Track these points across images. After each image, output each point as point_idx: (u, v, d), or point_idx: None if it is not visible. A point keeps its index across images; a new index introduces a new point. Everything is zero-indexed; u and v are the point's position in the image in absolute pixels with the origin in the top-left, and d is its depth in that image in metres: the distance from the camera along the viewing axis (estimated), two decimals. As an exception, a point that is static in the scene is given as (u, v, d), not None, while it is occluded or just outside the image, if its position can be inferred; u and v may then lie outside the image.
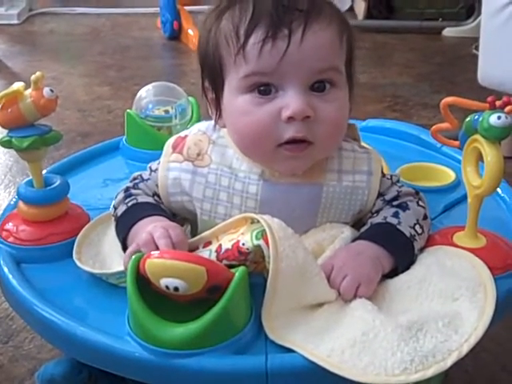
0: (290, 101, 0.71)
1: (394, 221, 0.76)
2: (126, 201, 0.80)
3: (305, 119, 0.71)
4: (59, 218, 0.84)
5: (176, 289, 0.62)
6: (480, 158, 0.73)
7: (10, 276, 0.77)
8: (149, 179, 0.83)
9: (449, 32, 3.24)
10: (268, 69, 0.71)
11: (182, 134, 0.83)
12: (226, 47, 0.73)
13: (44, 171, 0.87)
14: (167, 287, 0.63)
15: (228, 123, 0.78)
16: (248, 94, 0.73)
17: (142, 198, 0.80)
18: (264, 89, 0.72)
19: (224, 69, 0.75)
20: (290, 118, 0.71)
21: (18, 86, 0.80)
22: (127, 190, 0.82)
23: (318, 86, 0.73)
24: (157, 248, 0.69)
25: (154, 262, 0.63)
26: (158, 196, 0.82)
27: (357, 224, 0.81)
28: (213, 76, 0.77)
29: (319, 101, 0.73)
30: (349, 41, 0.76)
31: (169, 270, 0.62)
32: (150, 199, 0.80)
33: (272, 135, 0.73)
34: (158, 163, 0.82)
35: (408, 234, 0.75)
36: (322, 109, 0.72)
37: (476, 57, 1.82)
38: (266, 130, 0.72)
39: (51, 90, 0.79)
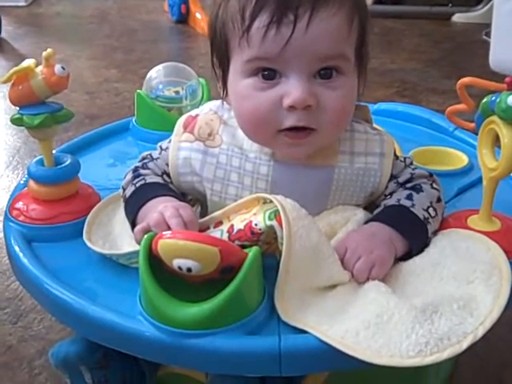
0: (292, 89, 0.69)
1: (407, 203, 0.75)
2: (135, 181, 0.79)
3: (306, 108, 0.70)
4: (70, 197, 0.84)
5: (189, 269, 0.62)
6: (496, 140, 0.72)
7: (21, 255, 0.77)
8: (158, 158, 0.82)
9: (458, 18, 3.22)
10: (271, 54, 0.69)
11: (193, 112, 0.82)
12: (232, 28, 0.72)
13: (54, 151, 0.86)
14: (180, 268, 0.62)
15: (232, 104, 0.77)
16: (251, 77, 0.72)
17: (150, 178, 0.79)
18: (268, 73, 0.71)
19: (229, 49, 0.74)
20: (291, 107, 0.70)
21: (28, 62, 0.79)
22: (136, 170, 0.81)
23: (324, 73, 0.71)
24: (168, 228, 0.68)
25: (166, 243, 0.63)
26: (168, 175, 0.81)
27: (369, 206, 0.80)
28: (219, 54, 0.76)
29: (324, 88, 0.71)
30: (361, 23, 0.74)
31: (182, 250, 0.61)
32: (158, 179, 0.80)
33: (272, 121, 0.72)
34: (169, 142, 0.82)
35: (421, 217, 0.74)
36: (326, 96, 0.71)
37: (486, 43, 1.82)
38: (267, 116, 0.71)
39: (63, 68, 0.79)
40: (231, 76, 0.75)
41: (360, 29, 0.74)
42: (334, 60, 0.71)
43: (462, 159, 1.01)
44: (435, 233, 0.76)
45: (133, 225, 0.76)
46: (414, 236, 0.74)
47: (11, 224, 0.82)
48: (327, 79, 0.71)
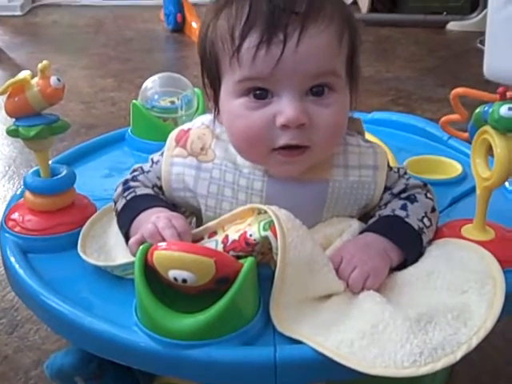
0: (285, 108, 0.69)
1: (402, 213, 0.76)
2: (125, 194, 0.79)
3: (300, 126, 0.70)
4: (66, 208, 0.84)
5: (184, 281, 0.62)
6: (489, 150, 0.72)
7: (17, 266, 0.77)
8: (149, 171, 0.82)
9: (453, 26, 3.23)
10: (262, 74, 0.69)
11: (185, 126, 0.82)
12: (221, 48, 0.72)
13: (49, 162, 0.87)
14: (175, 279, 0.62)
15: (224, 123, 0.77)
16: (243, 97, 0.72)
17: (140, 191, 0.79)
18: (259, 93, 0.71)
19: (220, 69, 0.74)
20: (284, 126, 0.70)
21: (24, 74, 0.79)
22: (126, 182, 0.81)
23: (316, 91, 0.71)
24: (162, 239, 0.68)
25: (161, 254, 0.63)
26: (159, 188, 0.81)
27: (363, 218, 0.81)
28: (210, 73, 0.76)
29: (316, 106, 0.71)
30: (351, 38, 0.74)
31: (177, 261, 0.62)
32: (148, 191, 0.80)
33: (266, 140, 0.72)
34: (160, 155, 0.82)
35: (416, 227, 0.75)
36: (318, 114, 0.71)
37: (481, 51, 1.82)
38: (260, 135, 0.71)
39: (58, 79, 0.79)
40: (223, 95, 0.75)
41: (350, 44, 0.74)
42: (325, 77, 0.71)
43: (456, 168, 1.01)
44: (430, 242, 0.76)
45: (126, 237, 0.76)
46: (409, 246, 0.74)
47: (7, 235, 0.82)
48: (319, 96, 0.71)
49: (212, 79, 0.76)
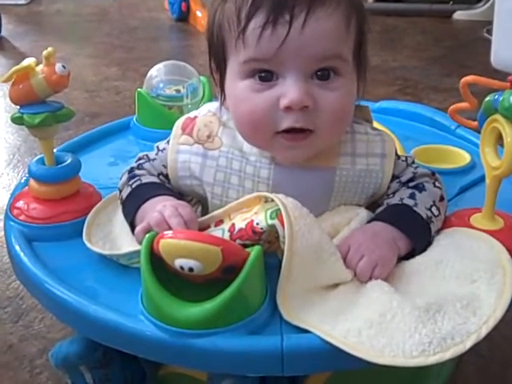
0: (288, 90, 0.69)
1: (410, 202, 0.75)
2: (130, 182, 0.79)
3: (303, 109, 0.69)
4: (71, 196, 0.83)
5: (191, 269, 0.61)
6: (499, 139, 0.72)
7: (22, 254, 0.76)
8: (155, 159, 0.82)
9: (459, 15, 3.22)
10: (267, 55, 0.69)
11: (191, 114, 0.82)
12: (228, 30, 0.71)
13: (54, 150, 0.86)
14: (182, 268, 0.62)
15: (230, 107, 0.76)
16: (248, 79, 0.71)
17: (145, 179, 0.79)
18: (264, 75, 0.70)
19: (226, 51, 0.73)
20: (288, 108, 0.69)
21: (29, 61, 0.78)
22: (131, 170, 0.81)
23: (321, 74, 0.70)
24: (169, 227, 0.68)
25: (168, 242, 0.62)
26: (164, 176, 0.81)
27: (370, 207, 0.80)
28: (217, 57, 0.75)
29: (321, 89, 0.70)
30: (358, 24, 0.73)
31: (183, 250, 0.61)
32: (154, 179, 0.79)
33: (269, 123, 0.71)
34: (166, 143, 0.81)
35: (424, 216, 0.74)
36: (323, 97, 0.70)
37: (487, 40, 1.81)
38: (263, 118, 0.71)
39: (63, 66, 0.78)
40: (228, 79, 0.74)
41: (358, 30, 0.73)
42: (331, 60, 0.70)
43: (465, 157, 1.00)
44: (438, 231, 0.76)
45: (131, 226, 0.75)
46: (417, 235, 0.73)
47: (12, 223, 0.82)
48: (325, 80, 0.71)
49: (218, 63, 0.75)
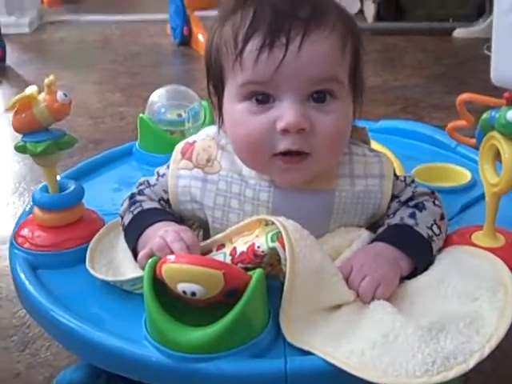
0: (285, 112, 0.70)
1: (410, 222, 0.75)
2: (132, 208, 0.79)
3: (300, 131, 0.70)
4: (74, 223, 0.84)
5: (193, 294, 0.62)
6: (497, 155, 0.72)
7: (27, 282, 0.77)
8: (156, 184, 0.82)
9: (459, 33, 3.23)
10: (264, 78, 0.70)
11: (190, 139, 0.82)
12: (225, 53, 0.72)
13: (58, 177, 0.87)
14: (184, 292, 0.62)
15: (227, 130, 0.77)
16: (245, 101, 0.72)
17: (147, 205, 0.79)
18: (261, 98, 0.71)
19: (223, 74, 0.74)
20: (285, 130, 0.70)
21: (31, 90, 0.80)
22: (132, 197, 0.82)
23: (317, 97, 0.71)
24: (171, 252, 0.68)
25: (170, 267, 0.63)
26: (165, 201, 0.81)
27: (371, 227, 0.80)
28: (215, 80, 0.76)
29: (317, 112, 0.71)
30: (354, 47, 0.74)
31: (186, 274, 0.62)
32: (155, 204, 0.80)
33: (266, 146, 0.72)
34: (166, 168, 0.82)
35: (426, 235, 0.74)
36: (319, 120, 0.71)
37: (487, 57, 1.82)
38: (260, 141, 0.71)
39: (65, 95, 0.79)
40: (226, 101, 0.75)
41: (353, 53, 0.74)
42: (327, 83, 0.71)
43: (465, 175, 1.00)
44: (439, 250, 0.76)
45: (134, 252, 0.76)
46: (419, 255, 0.73)
47: (16, 251, 0.82)
48: (321, 103, 0.71)
49: (216, 85, 0.76)
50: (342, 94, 0.73)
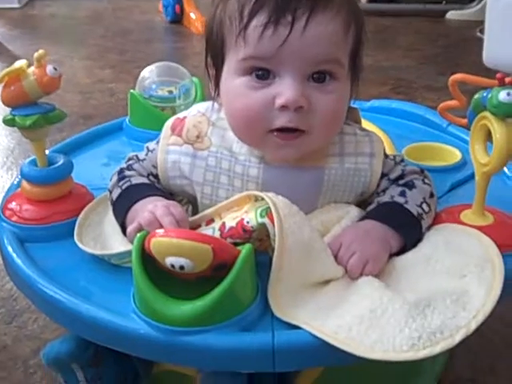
0: (285, 89, 0.69)
1: (401, 200, 0.76)
2: (120, 183, 0.79)
3: (298, 109, 0.70)
4: (63, 197, 0.83)
5: (181, 267, 0.62)
6: (488, 136, 0.72)
7: (15, 255, 0.76)
8: (145, 159, 0.82)
9: (452, 15, 3.23)
10: (266, 54, 0.70)
11: (181, 115, 0.82)
12: (229, 26, 0.72)
13: (47, 151, 0.86)
14: (173, 266, 0.62)
15: (224, 104, 0.77)
16: (245, 76, 0.72)
17: (135, 180, 0.79)
18: (261, 73, 0.71)
19: (225, 47, 0.74)
20: (283, 107, 0.70)
21: (20, 63, 0.79)
22: (121, 171, 0.81)
23: (317, 77, 0.71)
24: (160, 226, 0.68)
25: (159, 241, 0.63)
26: (154, 176, 0.81)
27: (360, 205, 0.80)
28: (214, 53, 0.76)
29: (317, 91, 0.71)
30: (357, 31, 0.74)
31: (175, 248, 0.61)
32: (144, 179, 0.80)
33: (263, 121, 0.71)
34: (156, 143, 0.82)
35: (415, 213, 0.74)
36: (318, 99, 0.71)
37: (480, 40, 1.82)
38: (258, 115, 0.71)
39: (54, 68, 0.78)
40: (224, 75, 0.75)
41: (355, 37, 0.74)
42: (329, 64, 0.71)
43: (456, 155, 1.01)
44: (428, 228, 0.76)
45: (122, 227, 0.76)
46: (409, 232, 0.74)
47: (4, 224, 0.82)
48: (320, 83, 0.71)
49: (215, 58, 0.76)
50: (342, 76, 0.73)
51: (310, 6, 0.69)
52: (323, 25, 0.69)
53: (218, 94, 0.78)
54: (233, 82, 0.73)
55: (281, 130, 0.71)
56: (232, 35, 0.72)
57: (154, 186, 0.79)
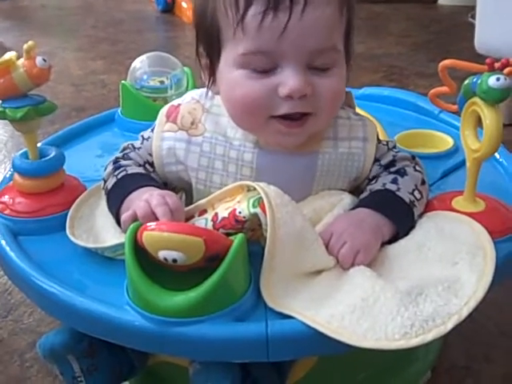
0: (288, 79, 0.69)
1: (393, 187, 0.76)
2: (116, 173, 0.79)
3: (302, 97, 0.70)
4: (55, 189, 0.83)
5: (174, 260, 0.62)
6: (478, 122, 0.72)
7: (8, 248, 0.76)
8: (140, 148, 0.82)
9: (444, 1, 3.22)
10: (267, 47, 0.69)
11: (175, 102, 0.82)
12: (225, 16, 0.70)
13: (39, 144, 0.86)
14: (165, 259, 0.62)
15: (222, 92, 0.76)
16: (245, 69, 0.71)
17: (131, 169, 0.79)
18: (262, 68, 0.70)
19: (221, 38, 0.72)
20: (287, 96, 0.70)
21: (10, 55, 0.78)
22: (116, 161, 0.81)
23: (317, 65, 0.71)
24: (155, 217, 0.68)
25: (150, 235, 0.63)
26: (150, 164, 0.81)
27: (354, 191, 0.81)
28: (209, 42, 0.75)
29: (318, 77, 0.71)
30: (348, 13, 0.74)
31: (166, 242, 0.61)
32: (140, 169, 0.80)
33: (266, 107, 0.71)
34: (151, 131, 0.82)
35: (407, 200, 0.75)
36: (320, 84, 0.71)
37: (472, 25, 1.81)
38: (260, 102, 0.71)
39: (44, 60, 0.78)
40: (223, 65, 0.74)
41: (348, 19, 0.74)
42: (328, 54, 0.71)
43: (448, 142, 1.01)
44: (421, 215, 0.76)
45: (116, 217, 0.76)
46: (401, 220, 0.74)
47: (-3, 218, 0.82)
48: (321, 70, 0.71)
49: (209, 47, 0.75)
50: (340, 61, 0.73)
51: None
52: (320, 8, 0.68)
53: (213, 83, 0.77)
54: (232, 73, 0.72)
55: (284, 117, 0.71)
56: (229, 25, 0.70)
57: (150, 177, 0.79)
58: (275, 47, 0.68)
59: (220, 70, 0.75)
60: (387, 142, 0.82)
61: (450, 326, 0.60)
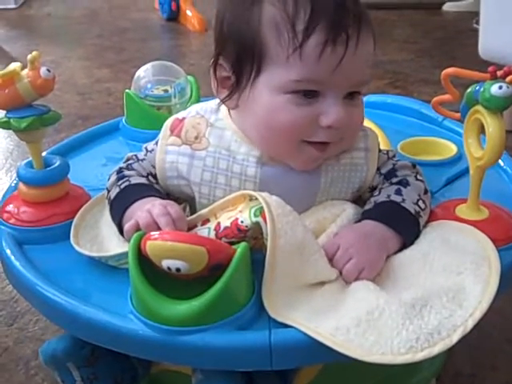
0: (331, 109, 0.70)
1: (397, 199, 0.76)
2: (119, 183, 0.79)
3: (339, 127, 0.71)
4: (60, 198, 0.84)
5: (178, 269, 0.62)
6: (481, 129, 0.72)
7: (13, 257, 0.77)
8: (144, 159, 0.82)
9: (449, 7, 3.22)
10: (323, 76, 0.69)
11: (180, 115, 0.82)
12: (277, 38, 0.69)
13: (44, 153, 0.87)
14: (169, 268, 0.62)
15: (254, 114, 0.74)
16: (292, 94, 0.71)
17: (134, 180, 0.79)
18: (310, 93, 0.71)
19: (265, 58, 0.71)
20: (329, 127, 0.71)
21: (14, 66, 0.79)
22: (120, 171, 0.81)
23: (351, 95, 0.72)
24: (157, 226, 0.68)
25: (154, 244, 0.63)
26: (153, 176, 0.81)
27: (357, 201, 0.81)
28: (243, 59, 0.72)
29: (349, 106, 0.72)
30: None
31: (170, 251, 0.62)
32: (143, 180, 0.80)
33: (303, 134, 0.72)
34: (155, 143, 0.82)
35: (413, 211, 0.74)
36: (352, 114, 0.73)
37: (476, 31, 1.81)
38: (301, 130, 0.72)
39: (48, 70, 0.78)
40: (261, 86, 0.72)
41: None
42: (364, 85, 0.73)
43: (451, 149, 1.01)
44: (425, 224, 0.76)
45: (119, 226, 0.76)
46: (408, 231, 0.74)
47: (2, 227, 0.82)
48: (351, 99, 0.73)
49: (242, 64, 0.72)
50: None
51: (357, 23, 0.69)
52: (367, 44, 0.71)
53: (230, 98, 0.75)
54: (275, 97, 0.71)
55: (317, 142, 0.73)
56: (281, 48, 0.69)
57: (153, 187, 0.79)
58: (329, 78, 0.69)
59: (256, 91, 0.73)
60: (387, 151, 0.82)
61: (455, 338, 0.60)
